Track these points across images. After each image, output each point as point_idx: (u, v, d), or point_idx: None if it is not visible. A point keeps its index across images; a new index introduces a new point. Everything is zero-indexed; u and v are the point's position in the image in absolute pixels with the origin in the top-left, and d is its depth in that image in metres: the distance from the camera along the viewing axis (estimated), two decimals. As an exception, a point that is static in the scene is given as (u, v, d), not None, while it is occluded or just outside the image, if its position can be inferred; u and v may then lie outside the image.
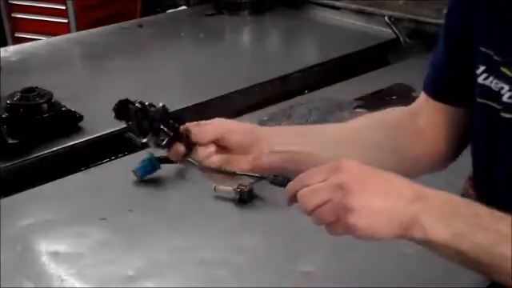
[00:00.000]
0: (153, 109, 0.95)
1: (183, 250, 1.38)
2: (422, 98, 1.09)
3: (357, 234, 0.79)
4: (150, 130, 0.95)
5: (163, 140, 0.95)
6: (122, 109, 0.96)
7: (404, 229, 0.78)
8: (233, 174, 0.98)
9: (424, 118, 1.07)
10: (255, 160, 0.98)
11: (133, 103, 0.95)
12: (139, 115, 0.95)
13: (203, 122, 0.99)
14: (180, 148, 0.95)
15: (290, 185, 0.84)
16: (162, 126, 0.95)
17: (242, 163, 0.99)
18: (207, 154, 0.96)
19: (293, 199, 0.83)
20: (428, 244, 0.80)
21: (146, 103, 0.96)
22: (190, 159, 0.97)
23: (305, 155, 1.00)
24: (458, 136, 1.06)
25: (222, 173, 0.99)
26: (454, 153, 1.09)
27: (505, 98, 0.90)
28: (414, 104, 1.10)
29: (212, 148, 0.97)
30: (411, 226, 0.78)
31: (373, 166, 0.94)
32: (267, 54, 2.67)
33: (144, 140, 0.96)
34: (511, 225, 0.77)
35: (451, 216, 0.78)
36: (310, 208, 0.81)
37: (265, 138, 1.00)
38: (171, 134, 0.95)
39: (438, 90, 1.06)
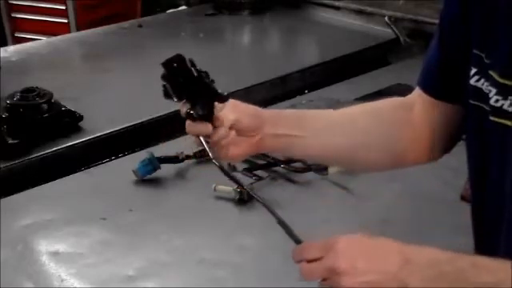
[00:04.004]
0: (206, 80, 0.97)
1: (183, 249, 1.38)
2: (416, 92, 1.10)
3: None
4: (192, 97, 0.96)
5: (199, 111, 0.97)
6: (177, 65, 0.95)
7: None
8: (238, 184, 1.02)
9: (416, 111, 1.09)
10: (259, 142, 1.04)
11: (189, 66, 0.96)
12: (195, 79, 0.95)
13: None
14: (209, 128, 0.98)
15: (293, 254, 0.93)
16: (205, 99, 0.97)
17: (246, 145, 1.05)
18: (224, 135, 1.00)
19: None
20: None
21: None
22: (203, 141, 0.99)
23: (301, 140, 1.07)
24: (447, 131, 1.07)
25: (229, 177, 1.03)
26: (442, 148, 1.10)
27: (492, 102, 0.91)
28: (409, 96, 1.12)
29: (232, 133, 1.01)
30: None
31: (362, 152, 1.09)
32: (267, 53, 2.67)
33: (175, 100, 0.97)
34: (495, 272, 0.81)
35: (435, 278, 0.84)
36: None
37: (269, 121, 1.05)
38: (206, 110, 0.97)
39: (429, 86, 1.07)
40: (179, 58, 0.95)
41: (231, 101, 1.02)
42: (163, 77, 0.96)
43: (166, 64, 0.95)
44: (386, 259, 0.85)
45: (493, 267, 0.82)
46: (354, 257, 0.86)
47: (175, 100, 0.98)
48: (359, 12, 2.81)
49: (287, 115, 1.11)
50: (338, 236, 0.88)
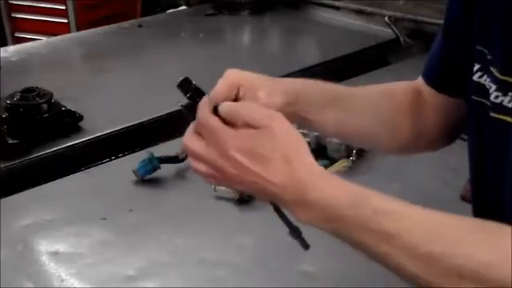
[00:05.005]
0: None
1: (183, 249, 1.38)
2: (420, 80, 1.11)
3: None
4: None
5: None
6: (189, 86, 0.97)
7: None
8: None
9: (423, 99, 1.10)
10: None
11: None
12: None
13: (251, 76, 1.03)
14: None
15: (200, 120, 0.88)
16: None
17: None
18: None
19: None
20: None
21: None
22: None
23: (317, 120, 1.03)
24: (445, 124, 1.08)
25: None
26: (439, 140, 1.11)
27: (492, 98, 0.91)
28: (416, 81, 1.11)
29: None
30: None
31: (367, 134, 1.08)
32: (267, 54, 2.67)
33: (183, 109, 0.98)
34: (398, 220, 0.79)
35: (330, 220, 0.81)
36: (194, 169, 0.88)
37: (292, 108, 1.01)
38: None
39: (431, 78, 1.08)
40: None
41: (267, 81, 1.01)
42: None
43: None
44: (285, 188, 0.81)
45: (397, 214, 0.80)
46: (246, 175, 0.81)
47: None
48: (359, 12, 2.81)
49: (321, 97, 1.05)
50: (243, 136, 0.82)
